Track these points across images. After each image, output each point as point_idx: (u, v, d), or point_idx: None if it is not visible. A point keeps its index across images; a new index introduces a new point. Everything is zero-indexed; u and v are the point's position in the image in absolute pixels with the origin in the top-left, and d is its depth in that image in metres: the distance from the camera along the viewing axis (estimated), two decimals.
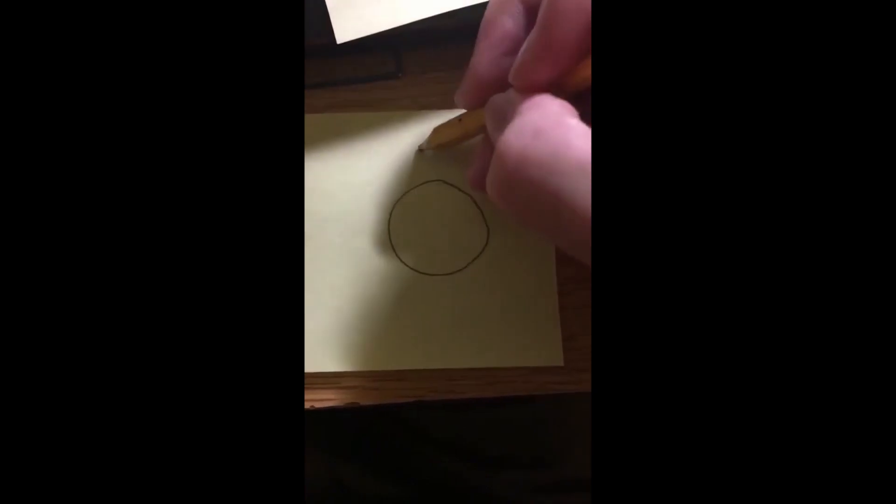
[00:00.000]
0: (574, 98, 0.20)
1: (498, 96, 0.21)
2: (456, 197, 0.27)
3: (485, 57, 0.22)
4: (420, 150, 0.27)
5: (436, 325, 0.26)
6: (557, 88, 0.20)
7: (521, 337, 0.26)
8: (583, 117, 0.19)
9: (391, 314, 0.26)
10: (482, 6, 0.26)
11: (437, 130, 0.26)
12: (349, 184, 0.27)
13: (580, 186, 0.16)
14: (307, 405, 0.26)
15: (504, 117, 0.20)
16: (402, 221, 0.27)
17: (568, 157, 0.17)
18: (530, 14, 0.21)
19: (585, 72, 0.19)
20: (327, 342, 0.26)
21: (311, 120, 0.28)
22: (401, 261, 0.27)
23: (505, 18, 0.21)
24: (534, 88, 0.20)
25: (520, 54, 0.20)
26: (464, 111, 0.25)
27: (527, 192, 0.18)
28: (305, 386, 0.26)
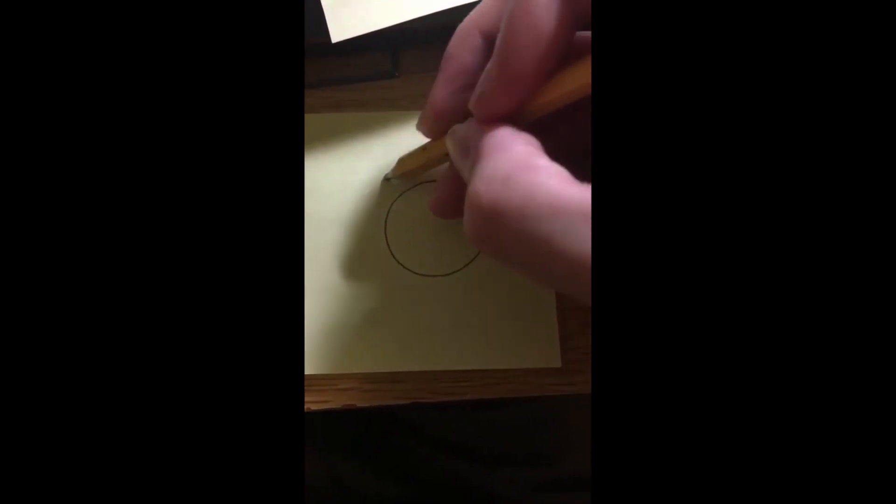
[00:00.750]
0: (535, 124, 0.20)
1: (459, 126, 0.21)
2: None
3: (442, 90, 0.22)
4: (386, 179, 0.27)
5: (433, 327, 0.26)
6: (518, 116, 0.20)
7: (519, 338, 0.26)
8: (545, 144, 0.19)
9: (388, 316, 0.26)
10: (479, 4, 0.25)
11: (401, 160, 0.26)
12: (345, 184, 0.27)
13: (557, 228, 0.16)
14: (304, 408, 0.26)
15: (467, 148, 0.20)
16: (398, 222, 0.27)
17: (540, 202, 0.16)
18: (490, 46, 0.20)
19: (544, 98, 0.19)
20: (323, 344, 0.26)
21: (306, 120, 0.28)
22: (397, 262, 0.27)
23: (463, 53, 0.21)
24: (494, 119, 0.20)
25: (478, 85, 0.20)
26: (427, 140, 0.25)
27: (503, 239, 0.17)
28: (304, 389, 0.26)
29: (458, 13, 0.25)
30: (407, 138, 0.28)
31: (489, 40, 0.21)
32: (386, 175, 0.27)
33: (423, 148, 0.25)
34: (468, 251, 0.27)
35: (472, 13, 0.22)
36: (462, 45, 0.21)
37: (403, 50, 0.29)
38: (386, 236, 0.27)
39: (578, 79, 0.18)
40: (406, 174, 0.26)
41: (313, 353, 0.26)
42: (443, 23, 0.26)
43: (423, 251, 0.27)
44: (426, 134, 0.24)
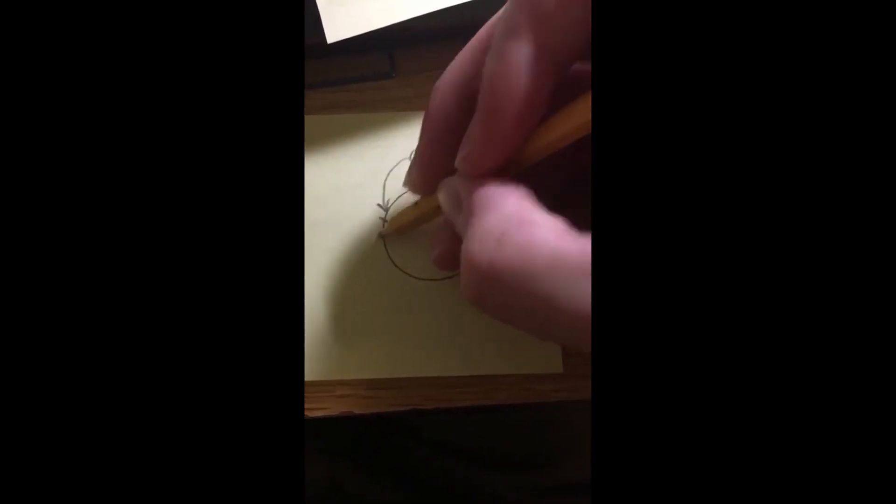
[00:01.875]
0: (524, 173, 0.19)
1: (449, 180, 0.21)
2: None
3: (426, 155, 0.22)
4: (380, 237, 0.27)
5: (432, 332, 0.25)
6: (505, 169, 0.19)
7: (519, 343, 0.25)
8: (533, 185, 0.18)
9: (386, 320, 0.26)
10: (475, 4, 0.25)
11: (394, 219, 0.26)
12: (342, 187, 0.27)
13: (557, 286, 0.16)
14: None
15: (458, 201, 0.20)
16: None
17: (538, 260, 0.16)
18: (469, 99, 0.20)
19: (532, 149, 0.19)
20: (320, 350, 0.25)
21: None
22: (396, 265, 0.26)
23: (443, 113, 0.21)
24: (482, 174, 0.19)
25: (462, 146, 0.19)
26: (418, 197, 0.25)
27: (501, 298, 0.17)
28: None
29: (455, 13, 0.25)
30: (404, 140, 0.27)
31: (469, 95, 0.20)
32: (380, 232, 0.27)
33: (415, 204, 0.25)
34: None
35: (449, 70, 0.21)
36: (442, 104, 0.21)
37: (401, 50, 0.28)
38: (384, 239, 0.27)
39: (562, 127, 0.18)
40: (399, 230, 0.26)
41: (310, 358, 0.25)
42: (440, 22, 0.25)
43: (422, 254, 0.26)
44: (414, 191, 0.24)
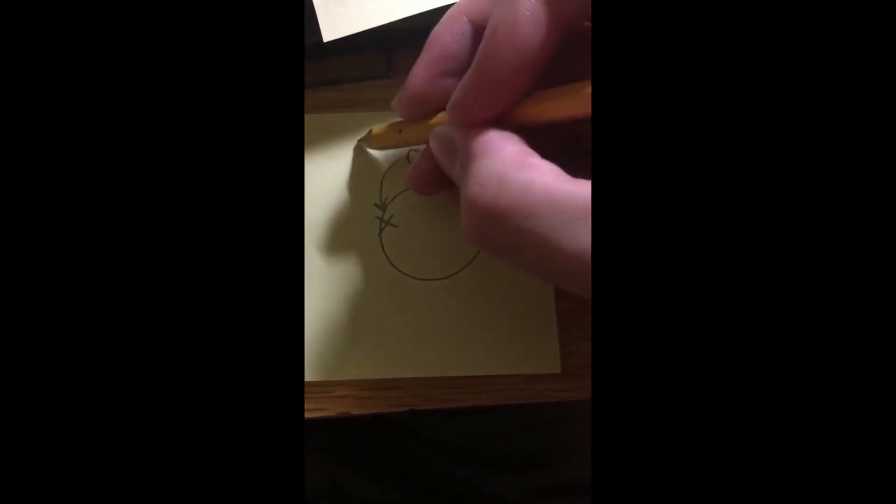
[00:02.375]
0: (518, 131, 0.19)
1: (441, 129, 0.21)
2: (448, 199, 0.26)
3: (422, 73, 0.22)
4: (358, 142, 0.27)
5: (430, 332, 0.25)
6: (500, 122, 0.19)
7: (517, 343, 0.25)
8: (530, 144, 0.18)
9: (384, 321, 0.26)
10: None
11: (375, 136, 0.26)
12: (339, 186, 0.27)
13: (556, 225, 0.16)
14: None
15: (453, 151, 0.20)
16: (394, 225, 0.26)
17: (538, 199, 0.17)
18: (479, 37, 0.20)
19: (529, 112, 0.19)
20: (318, 350, 0.25)
21: None
22: (393, 266, 0.26)
23: (449, 37, 0.21)
24: (473, 124, 0.19)
25: (457, 90, 0.19)
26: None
27: (504, 240, 0.18)
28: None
29: None
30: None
31: (476, 28, 0.21)
32: (359, 140, 0.27)
33: (399, 130, 0.24)
34: (465, 253, 0.26)
35: (466, 1, 0.21)
36: (448, 28, 0.21)
37: (398, 50, 0.28)
38: (381, 239, 0.26)
39: (562, 104, 0.18)
40: (377, 144, 0.26)
41: (308, 359, 0.25)
42: (437, 22, 0.25)
43: (419, 254, 0.26)
44: (402, 116, 0.24)
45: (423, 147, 0.23)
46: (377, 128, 0.25)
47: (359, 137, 0.27)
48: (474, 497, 0.39)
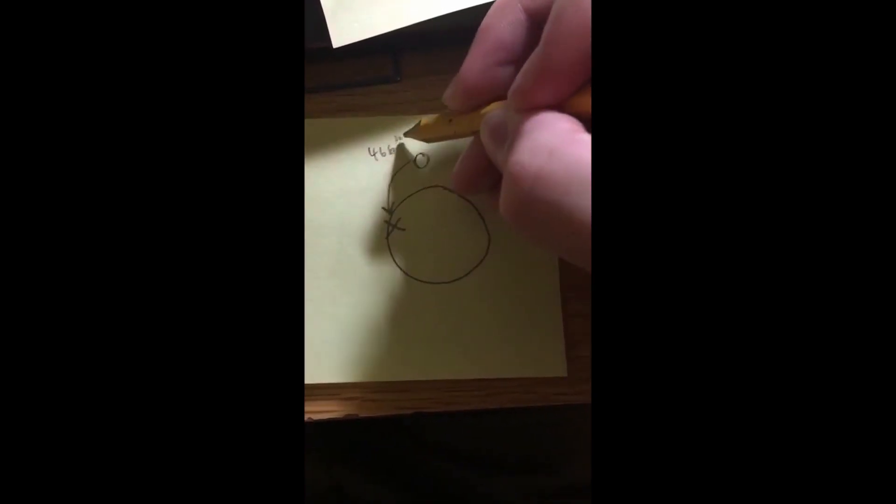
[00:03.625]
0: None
1: (494, 114, 0.21)
2: (456, 203, 0.27)
3: (477, 64, 0.21)
4: (405, 135, 0.26)
5: (436, 335, 0.26)
6: (559, 109, 0.19)
7: (524, 347, 0.25)
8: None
9: (390, 324, 0.26)
10: (482, 8, 0.25)
11: (425, 126, 0.25)
12: (347, 190, 0.27)
13: None
14: (305, 417, 0.25)
15: (503, 135, 0.20)
16: (401, 228, 0.27)
17: (585, 175, 0.16)
18: (533, 25, 0.20)
19: (585, 103, 0.19)
20: (326, 353, 0.26)
21: (308, 125, 0.27)
22: (400, 269, 0.26)
23: (503, 26, 0.21)
24: (534, 110, 0.19)
25: (520, 75, 0.19)
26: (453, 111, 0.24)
27: (544, 212, 0.17)
28: (304, 397, 0.26)
29: (460, 17, 0.25)
30: (409, 143, 0.27)
31: (530, 17, 0.20)
32: (406, 132, 0.26)
33: (449, 120, 0.24)
34: (472, 257, 0.26)
35: None
36: (501, 17, 0.21)
37: (405, 54, 0.28)
38: (388, 243, 0.27)
39: None
40: (426, 137, 0.26)
41: (316, 362, 0.25)
42: (445, 26, 0.25)
43: (426, 258, 0.26)
44: (455, 108, 0.23)
45: (469, 140, 0.23)
46: (426, 119, 0.25)
47: (368, 140, 0.27)
48: (478, 500, 0.39)
